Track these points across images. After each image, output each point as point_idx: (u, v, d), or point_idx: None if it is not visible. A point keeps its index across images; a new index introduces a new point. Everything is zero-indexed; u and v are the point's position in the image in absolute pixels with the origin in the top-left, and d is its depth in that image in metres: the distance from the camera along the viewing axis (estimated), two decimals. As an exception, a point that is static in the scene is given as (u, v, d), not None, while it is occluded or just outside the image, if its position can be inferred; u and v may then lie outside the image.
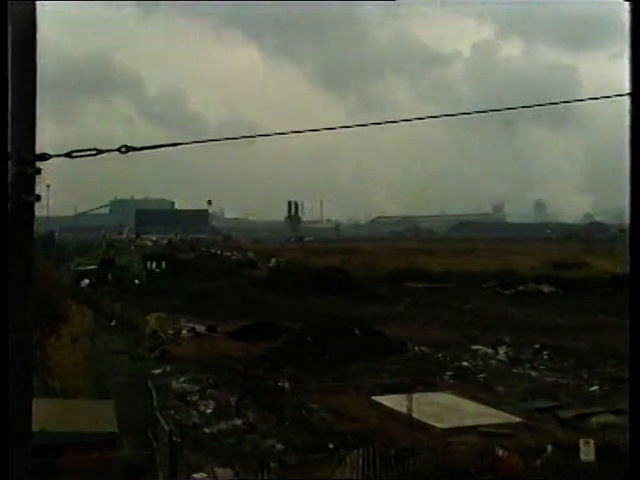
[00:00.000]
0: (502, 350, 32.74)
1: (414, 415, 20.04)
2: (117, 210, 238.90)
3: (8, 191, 3.82)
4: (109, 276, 67.33)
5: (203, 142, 4.71)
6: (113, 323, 41.38)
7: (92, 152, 4.17)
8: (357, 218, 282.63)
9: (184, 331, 38.12)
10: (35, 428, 4.42)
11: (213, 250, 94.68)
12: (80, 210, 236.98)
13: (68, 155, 4.10)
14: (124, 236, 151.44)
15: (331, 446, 18.54)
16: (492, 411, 22.43)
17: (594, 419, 20.80)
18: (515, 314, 45.31)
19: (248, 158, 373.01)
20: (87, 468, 13.84)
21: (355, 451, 16.39)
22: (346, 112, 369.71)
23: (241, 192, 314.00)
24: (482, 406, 23.11)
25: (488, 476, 16.12)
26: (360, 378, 26.97)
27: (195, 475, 15.97)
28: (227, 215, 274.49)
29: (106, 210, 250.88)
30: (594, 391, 25.31)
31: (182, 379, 27.04)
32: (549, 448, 17.11)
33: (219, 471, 16.43)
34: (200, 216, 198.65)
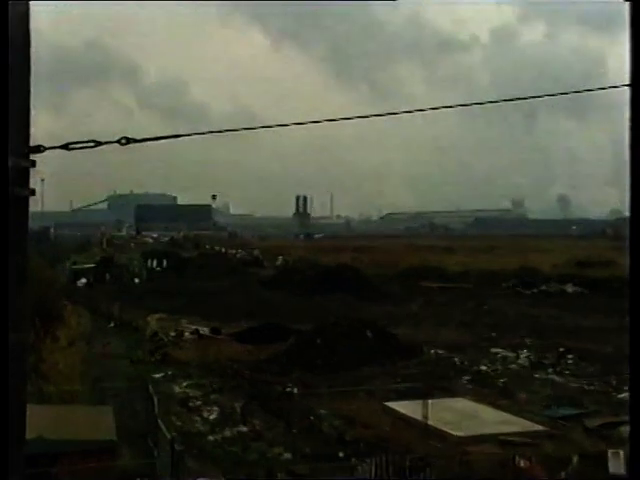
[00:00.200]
0: (523, 354, 32.63)
1: (429, 422, 20.04)
2: (116, 205, 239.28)
3: (8, 186, 3.82)
4: (107, 275, 67.61)
5: (204, 134, 4.68)
6: (112, 325, 41.49)
7: (90, 144, 4.14)
8: (369, 213, 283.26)
9: (186, 333, 38.27)
10: (30, 435, 4.42)
11: (217, 248, 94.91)
12: (76, 205, 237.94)
13: (65, 147, 4.07)
14: (123, 233, 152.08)
15: (342, 455, 18.57)
16: (513, 418, 22.36)
17: (623, 428, 20.64)
18: (537, 315, 45.08)
19: (254, 151, 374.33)
20: (85, 477, 13.90)
21: (367, 460, 16.42)
22: (357, 102, 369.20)
23: (247, 186, 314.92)
24: (502, 413, 23.05)
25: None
26: (372, 382, 26.94)
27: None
28: (232, 211, 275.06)
29: (104, 205, 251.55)
30: (623, 398, 25.15)
31: (184, 384, 27.14)
32: (575, 459, 17.03)
33: None
34: (203, 212, 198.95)
